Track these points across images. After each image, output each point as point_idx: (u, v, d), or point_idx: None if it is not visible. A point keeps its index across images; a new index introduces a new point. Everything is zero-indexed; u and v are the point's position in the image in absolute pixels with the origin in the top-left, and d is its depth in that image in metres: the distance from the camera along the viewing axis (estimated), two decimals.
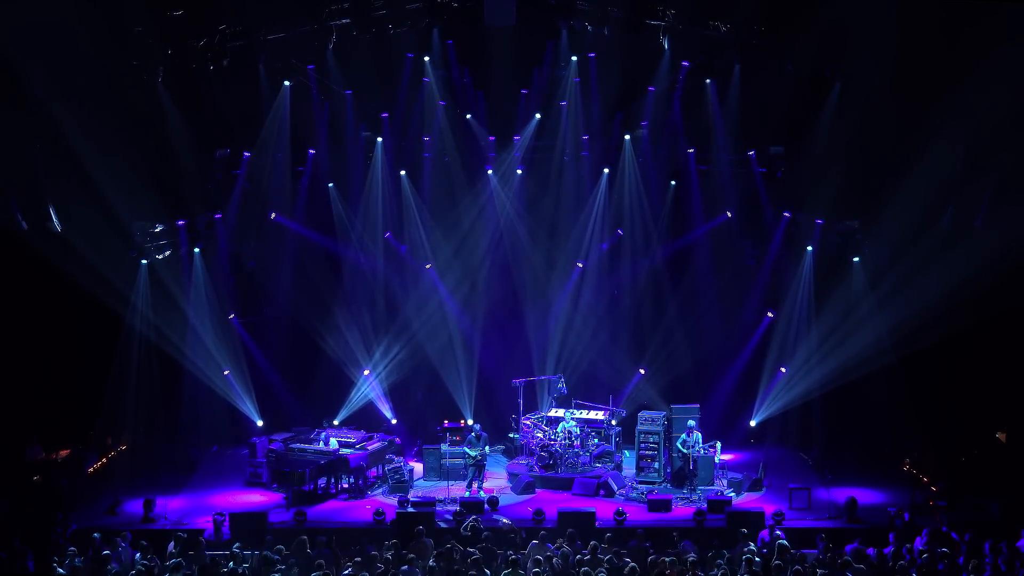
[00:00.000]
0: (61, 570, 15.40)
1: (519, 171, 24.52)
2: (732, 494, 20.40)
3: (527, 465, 22.00)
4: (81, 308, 21.56)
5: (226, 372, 23.37)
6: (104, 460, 22.67)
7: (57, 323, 21.73)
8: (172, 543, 16.46)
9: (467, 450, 20.97)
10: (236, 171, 23.72)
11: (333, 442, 21.28)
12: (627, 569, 14.48)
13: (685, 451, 20.82)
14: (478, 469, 20.88)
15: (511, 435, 23.11)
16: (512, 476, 21.77)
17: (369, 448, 21.50)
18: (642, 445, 21.57)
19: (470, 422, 22.44)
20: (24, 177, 20.39)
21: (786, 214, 23.90)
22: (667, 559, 15.47)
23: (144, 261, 22.48)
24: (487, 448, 21.09)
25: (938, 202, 21.41)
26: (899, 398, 21.93)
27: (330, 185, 24.29)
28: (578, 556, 15.57)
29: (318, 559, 15.58)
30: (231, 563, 15.31)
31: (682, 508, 19.87)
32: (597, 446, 22.16)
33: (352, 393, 23.92)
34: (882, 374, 22.06)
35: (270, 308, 25.02)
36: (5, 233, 20.33)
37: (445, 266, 24.55)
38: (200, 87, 21.78)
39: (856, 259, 22.92)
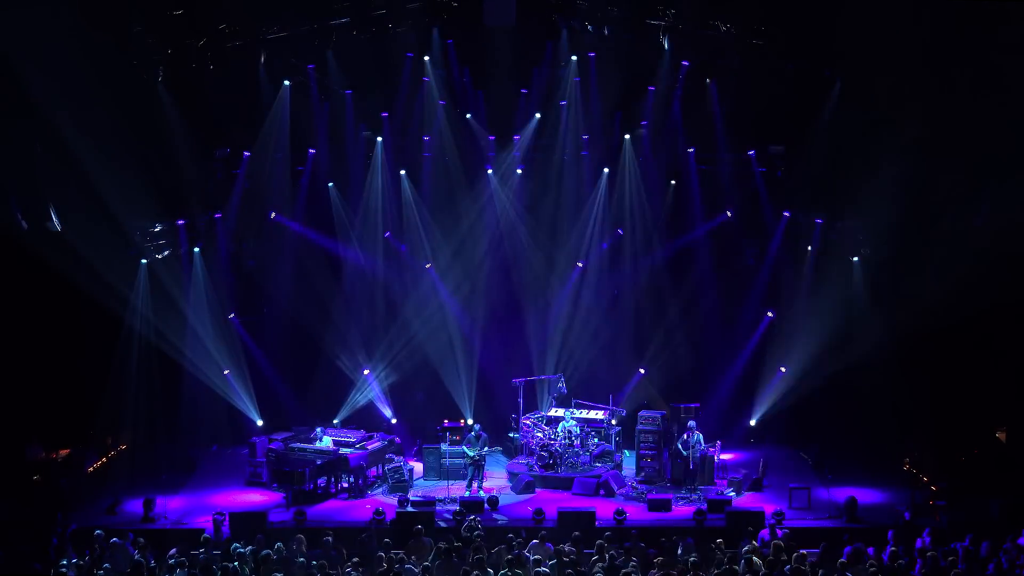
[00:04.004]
0: (62, 569, 15.37)
1: (519, 171, 24.53)
2: (732, 494, 20.41)
3: (527, 465, 22.00)
4: (81, 308, 21.54)
5: (226, 372, 23.37)
6: (104, 460, 22.66)
7: (57, 323, 21.71)
8: (175, 550, 16.37)
9: (466, 449, 20.97)
10: (236, 171, 23.76)
11: (327, 440, 21.27)
12: (626, 569, 14.49)
13: (685, 452, 20.81)
14: (477, 469, 20.88)
15: (511, 435, 23.10)
16: (512, 476, 21.78)
17: (369, 448, 21.51)
18: (642, 445, 21.58)
19: (470, 422, 22.45)
20: (24, 177, 20.35)
21: (786, 214, 23.91)
22: (669, 560, 15.48)
23: (144, 261, 22.49)
24: (486, 448, 21.08)
25: (938, 202, 21.39)
26: (899, 398, 21.93)
27: (330, 185, 24.29)
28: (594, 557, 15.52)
29: (321, 559, 15.58)
30: (235, 563, 15.29)
31: (682, 508, 19.87)
32: (597, 446, 22.16)
33: (352, 393, 23.93)
34: (882, 374, 22.06)
35: (270, 308, 25.02)
36: (5, 233, 20.32)
37: (445, 266, 24.56)
38: (200, 87, 21.79)
39: (856, 259, 22.93)
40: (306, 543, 16.19)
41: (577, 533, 16.58)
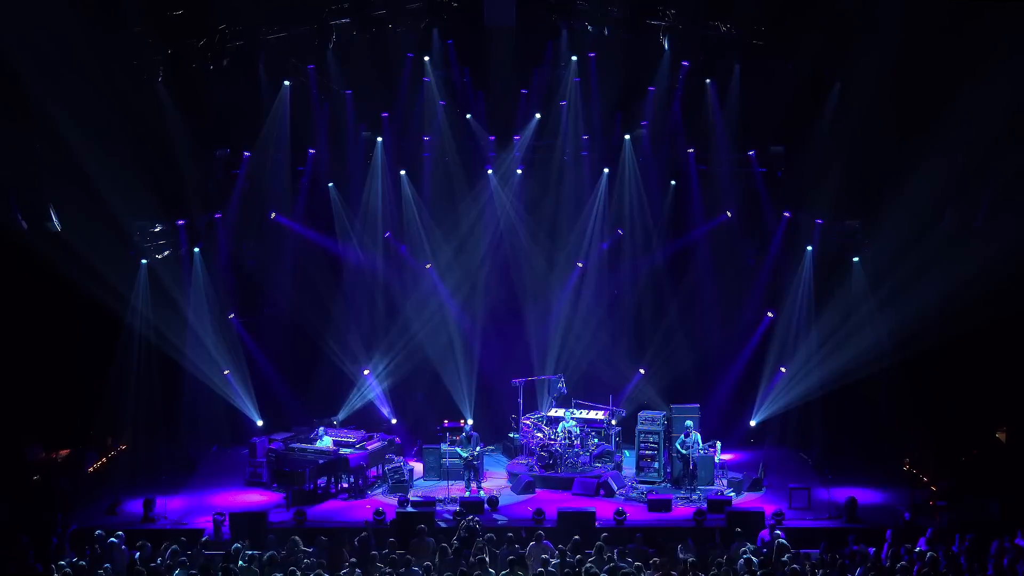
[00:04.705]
0: (64, 569, 15.37)
1: (519, 171, 24.52)
2: (732, 494, 20.41)
3: (527, 465, 22.00)
4: (81, 308, 21.55)
5: (226, 372, 23.37)
6: (104, 460, 22.67)
7: (57, 323, 21.72)
8: (168, 552, 16.29)
9: (459, 451, 20.98)
10: (236, 171, 23.75)
11: (327, 440, 21.27)
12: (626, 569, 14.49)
13: (684, 452, 20.82)
14: (472, 470, 20.88)
15: (511, 435, 23.10)
16: (512, 476, 21.77)
17: (369, 448, 21.51)
18: (642, 445, 21.58)
19: (470, 422, 22.44)
20: (24, 177, 20.38)
21: (786, 214, 23.91)
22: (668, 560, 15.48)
23: (144, 261, 22.50)
24: (478, 448, 21.08)
25: (938, 202, 21.40)
26: (899, 398, 21.93)
27: (330, 185, 24.29)
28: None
29: (320, 559, 15.57)
30: (240, 562, 15.28)
31: (682, 508, 19.87)
32: (597, 446, 22.15)
33: (352, 393, 23.92)
34: (882, 374, 22.08)
35: (270, 308, 25.02)
36: (5, 233, 20.33)
37: (445, 266, 24.55)
38: (200, 87, 21.79)
39: (856, 259, 22.94)
40: (302, 543, 16.18)
41: (577, 536, 16.54)
